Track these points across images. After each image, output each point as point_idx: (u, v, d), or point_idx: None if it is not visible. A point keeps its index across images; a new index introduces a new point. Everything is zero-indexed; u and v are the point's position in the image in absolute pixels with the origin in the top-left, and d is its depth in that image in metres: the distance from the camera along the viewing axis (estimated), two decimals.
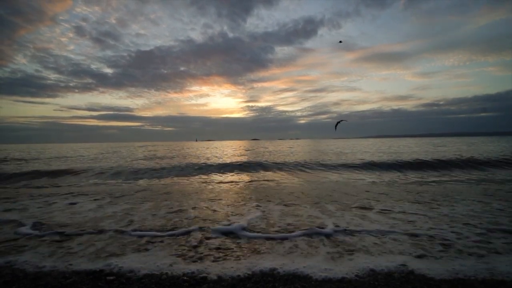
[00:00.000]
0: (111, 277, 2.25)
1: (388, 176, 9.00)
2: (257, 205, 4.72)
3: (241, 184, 7.64)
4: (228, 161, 13.60)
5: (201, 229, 3.46)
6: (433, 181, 7.77)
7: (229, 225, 3.56)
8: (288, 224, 3.62)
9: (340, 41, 14.82)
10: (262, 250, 2.79)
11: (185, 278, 2.23)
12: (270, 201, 5.11)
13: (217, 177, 9.38)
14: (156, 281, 2.19)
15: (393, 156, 15.10)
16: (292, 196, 5.62)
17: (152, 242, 3.04)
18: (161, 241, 3.07)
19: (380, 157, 14.36)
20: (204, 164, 12.33)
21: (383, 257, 2.57)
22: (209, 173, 10.24)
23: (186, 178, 9.33)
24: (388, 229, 3.37)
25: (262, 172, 10.52)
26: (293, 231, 3.32)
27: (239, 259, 2.58)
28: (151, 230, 3.45)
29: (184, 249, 2.83)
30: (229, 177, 9.31)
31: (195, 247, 2.89)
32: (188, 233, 3.33)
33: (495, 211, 4.19)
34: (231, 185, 7.51)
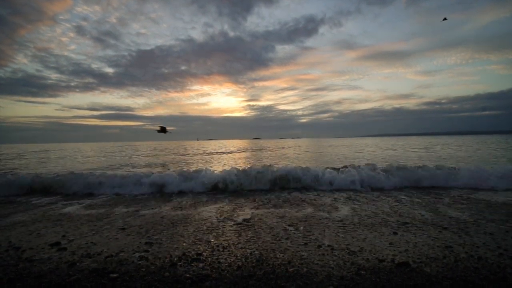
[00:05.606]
0: (115, 275, 2.26)
1: None
2: None
3: None
4: None
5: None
6: None
7: None
8: None
9: (445, 18, 12.61)
10: None
11: (188, 275, 2.23)
12: None
13: None
14: (159, 278, 2.19)
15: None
16: None
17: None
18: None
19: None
20: None
21: None
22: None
23: None
24: None
25: None
26: None
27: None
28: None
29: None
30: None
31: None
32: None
33: None
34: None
